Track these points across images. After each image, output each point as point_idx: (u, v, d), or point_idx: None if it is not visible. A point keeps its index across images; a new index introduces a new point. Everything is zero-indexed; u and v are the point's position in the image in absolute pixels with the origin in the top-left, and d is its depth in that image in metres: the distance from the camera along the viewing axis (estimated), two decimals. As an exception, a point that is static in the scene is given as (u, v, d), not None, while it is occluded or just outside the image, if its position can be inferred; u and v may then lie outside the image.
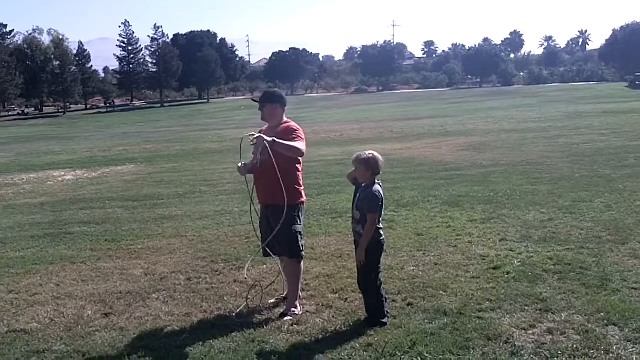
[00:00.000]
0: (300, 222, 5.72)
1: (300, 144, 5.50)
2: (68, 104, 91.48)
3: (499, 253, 7.05)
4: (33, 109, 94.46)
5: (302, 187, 5.78)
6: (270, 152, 5.33)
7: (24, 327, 5.54)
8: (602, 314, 5.10)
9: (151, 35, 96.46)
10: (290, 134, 5.56)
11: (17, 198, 13.73)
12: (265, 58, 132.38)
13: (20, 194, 14.50)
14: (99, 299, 6.25)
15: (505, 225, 8.39)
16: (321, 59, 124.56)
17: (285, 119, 5.79)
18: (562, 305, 5.36)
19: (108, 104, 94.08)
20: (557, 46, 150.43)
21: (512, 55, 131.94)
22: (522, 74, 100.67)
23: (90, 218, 10.75)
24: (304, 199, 5.81)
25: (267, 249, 5.81)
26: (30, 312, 5.95)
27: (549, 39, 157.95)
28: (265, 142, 5.27)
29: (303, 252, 5.76)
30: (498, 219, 8.81)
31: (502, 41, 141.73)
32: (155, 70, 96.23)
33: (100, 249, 8.44)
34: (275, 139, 5.32)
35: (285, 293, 5.83)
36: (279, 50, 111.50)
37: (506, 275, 6.22)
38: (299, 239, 5.67)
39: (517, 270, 6.37)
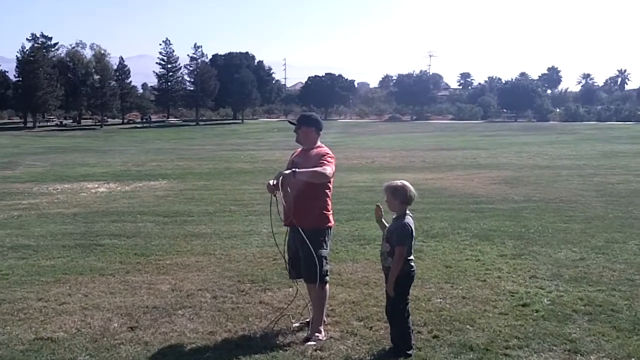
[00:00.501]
0: (327, 246, 5.70)
1: (325, 169, 5.46)
2: (105, 118, 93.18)
3: (529, 290, 6.94)
4: (71, 120, 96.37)
5: (331, 212, 5.76)
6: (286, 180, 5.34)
7: (50, 336, 5.60)
8: (633, 358, 4.99)
9: (190, 55, 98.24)
10: (319, 158, 5.58)
11: (51, 207, 13.95)
12: (300, 82, 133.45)
13: (54, 203, 14.74)
14: (126, 312, 6.29)
15: (536, 262, 8.27)
16: (356, 86, 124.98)
17: (318, 143, 5.82)
18: (592, 347, 5.25)
19: (144, 120, 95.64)
20: (595, 84, 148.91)
21: (549, 91, 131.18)
22: (558, 110, 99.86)
23: (121, 231, 10.87)
24: (332, 223, 5.78)
25: (293, 271, 5.83)
26: (58, 321, 6.01)
27: (587, 76, 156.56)
28: (284, 175, 5.30)
29: (327, 277, 5.73)
30: (529, 255, 8.70)
31: (539, 76, 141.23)
32: (192, 88, 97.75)
33: (129, 262, 8.52)
34: (295, 169, 5.34)
35: (310, 317, 5.81)
36: (315, 75, 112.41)
37: (535, 314, 6.12)
38: (324, 263, 5.64)
39: (546, 308, 6.26)
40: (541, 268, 7.96)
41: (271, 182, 5.56)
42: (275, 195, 5.60)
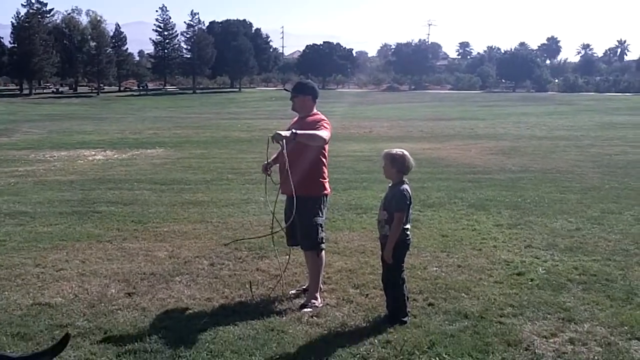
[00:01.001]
0: (322, 214, 5.72)
1: (322, 132, 5.48)
2: (102, 85, 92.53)
3: (524, 259, 6.99)
4: (67, 88, 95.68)
5: (327, 180, 5.78)
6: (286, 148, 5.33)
7: (48, 301, 5.63)
8: (625, 327, 5.04)
9: (187, 22, 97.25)
10: (315, 123, 5.58)
11: (48, 174, 13.94)
12: (298, 50, 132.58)
13: (51, 170, 14.72)
14: (123, 278, 6.33)
15: (532, 232, 8.31)
16: (354, 54, 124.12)
17: (315, 110, 5.80)
18: (585, 315, 5.31)
19: (141, 87, 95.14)
20: (594, 55, 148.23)
21: (548, 62, 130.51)
22: (557, 80, 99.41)
23: (118, 198, 10.88)
24: (328, 191, 5.80)
25: (291, 238, 5.86)
26: (55, 286, 6.05)
27: (586, 47, 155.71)
28: (285, 137, 5.25)
29: (323, 245, 5.76)
30: (525, 225, 8.73)
31: (538, 46, 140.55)
32: (189, 56, 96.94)
33: (127, 230, 8.54)
34: (295, 130, 5.31)
35: (307, 284, 5.85)
36: (313, 43, 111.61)
37: (530, 282, 6.16)
38: (319, 231, 5.67)
39: (541, 277, 6.31)
40: (537, 238, 8.00)
41: (266, 162, 5.70)
42: (269, 174, 5.73)
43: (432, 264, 6.84)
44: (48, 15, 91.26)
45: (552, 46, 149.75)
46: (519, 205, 10.11)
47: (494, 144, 20.67)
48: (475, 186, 12.06)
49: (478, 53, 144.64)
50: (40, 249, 7.45)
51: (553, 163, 15.63)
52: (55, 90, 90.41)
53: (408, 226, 5.19)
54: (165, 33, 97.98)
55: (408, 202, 5.11)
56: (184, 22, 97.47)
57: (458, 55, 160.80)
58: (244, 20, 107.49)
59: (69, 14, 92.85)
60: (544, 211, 9.66)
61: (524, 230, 8.41)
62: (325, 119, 5.69)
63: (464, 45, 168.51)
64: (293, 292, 5.92)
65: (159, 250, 7.43)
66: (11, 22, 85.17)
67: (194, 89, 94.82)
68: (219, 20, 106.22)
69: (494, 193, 11.27)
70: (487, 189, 11.69)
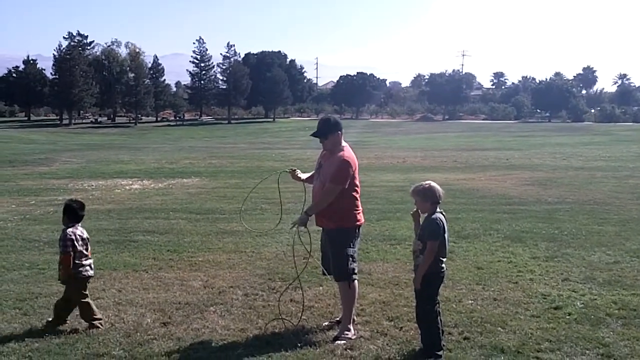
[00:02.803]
0: (354, 245, 5.72)
1: (328, 190, 5.59)
2: (139, 116, 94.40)
3: (561, 293, 6.87)
4: (106, 118, 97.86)
5: (359, 211, 5.78)
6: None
7: (85, 330, 5.70)
8: (667, 364, 4.91)
9: (223, 53, 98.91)
10: (334, 169, 5.62)
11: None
12: (332, 81, 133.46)
13: (89, 199, 14.96)
14: (159, 307, 6.39)
15: (569, 265, 8.17)
16: (388, 85, 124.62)
17: (343, 143, 5.82)
18: (625, 352, 5.18)
19: (178, 118, 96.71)
20: (632, 84, 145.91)
21: (584, 92, 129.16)
22: (593, 111, 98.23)
23: (154, 227, 11.02)
24: (361, 222, 5.81)
25: (324, 269, 5.92)
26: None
27: (623, 76, 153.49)
28: (300, 222, 5.67)
29: (355, 276, 5.74)
30: (562, 257, 8.60)
31: (574, 76, 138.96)
32: (225, 87, 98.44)
33: (162, 259, 8.64)
34: (307, 212, 5.65)
35: (340, 316, 5.83)
36: (347, 74, 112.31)
37: (568, 317, 6.05)
38: (350, 262, 5.66)
39: (579, 312, 6.19)
40: (574, 271, 7.87)
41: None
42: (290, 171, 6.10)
43: (468, 296, 6.76)
44: (88, 48, 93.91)
45: (588, 76, 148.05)
46: (555, 238, 9.97)
47: (529, 175, 20.45)
48: (510, 217, 11.93)
49: (513, 83, 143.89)
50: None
51: (590, 194, 15.39)
52: (94, 120, 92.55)
53: (444, 259, 5.16)
54: (202, 64, 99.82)
55: (441, 231, 5.09)
56: (220, 53, 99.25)
57: (492, 85, 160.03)
58: (279, 51, 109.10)
59: (109, 46, 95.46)
60: (581, 243, 9.50)
61: (561, 263, 8.28)
62: (347, 158, 5.68)
63: (498, 75, 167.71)
64: (326, 323, 5.90)
65: (193, 280, 7.49)
66: (53, 54, 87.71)
67: (229, 119, 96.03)
68: (255, 51, 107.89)
69: (530, 225, 11.12)
70: (523, 221, 11.55)
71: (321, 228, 5.89)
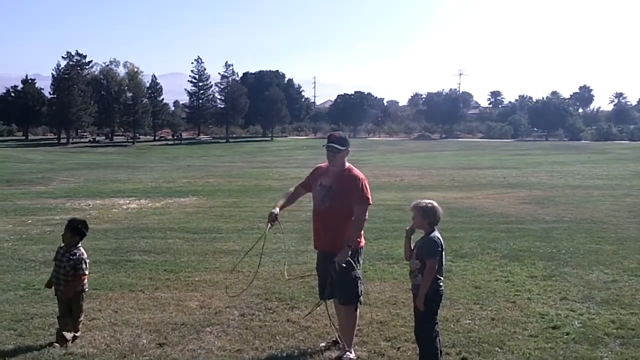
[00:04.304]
0: (359, 267, 5.65)
1: (363, 210, 5.48)
2: (137, 135, 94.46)
3: (559, 312, 6.85)
4: (104, 137, 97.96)
5: (362, 231, 5.71)
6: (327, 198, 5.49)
7: (80, 351, 5.67)
8: (666, 385, 4.88)
9: (222, 73, 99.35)
10: (359, 191, 5.50)
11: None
12: (330, 100, 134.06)
13: (86, 219, 14.89)
14: (155, 328, 6.35)
15: (567, 284, 8.15)
16: (385, 104, 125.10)
17: (346, 163, 5.75)
18: (624, 372, 5.15)
19: (175, 137, 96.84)
20: (628, 103, 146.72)
21: (581, 110, 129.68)
22: (590, 129, 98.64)
23: (151, 247, 10.99)
24: (363, 243, 5.77)
25: (323, 292, 5.83)
26: (88, 336, 6.09)
27: (619, 95, 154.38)
28: (343, 258, 5.37)
29: (361, 298, 5.69)
30: (559, 276, 8.58)
31: (570, 95, 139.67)
32: (223, 106, 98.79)
33: (159, 279, 8.60)
34: (348, 245, 5.40)
35: (337, 335, 5.79)
36: (344, 93, 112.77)
37: (566, 336, 6.03)
38: (359, 284, 5.61)
39: (577, 331, 6.17)
40: (572, 290, 7.85)
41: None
42: (271, 225, 5.91)
43: (465, 316, 6.74)
44: (87, 67, 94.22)
45: (584, 95, 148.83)
46: (553, 256, 9.95)
47: (526, 193, 20.46)
48: (508, 236, 11.92)
49: (510, 102, 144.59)
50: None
51: (587, 213, 15.39)
52: (92, 139, 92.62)
53: (441, 278, 5.15)
54: (200, 84, 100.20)
55: (440, 249, 5.09)
56: (218, 73, 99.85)
57: (489, 104, 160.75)
58: (277, 70, 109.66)
59: (107, 65, 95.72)
60: (579, 262, 9.48)
61: (558, 282, 8.26)
62: (364, 178, 5.64)
63: (495, 94, 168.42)
64: (323, 344, 5.86)
65: (190, 300, 7.46)
66: (52, 73, 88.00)
67: (227, 138, 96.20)
68: (252, 70, 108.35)
69: (528, 243, 11.11)
70: (520, 239, 11.54)
71: (318, 252, 5.82)
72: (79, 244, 6.09)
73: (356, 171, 5.67)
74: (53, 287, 6.08)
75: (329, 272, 5.56)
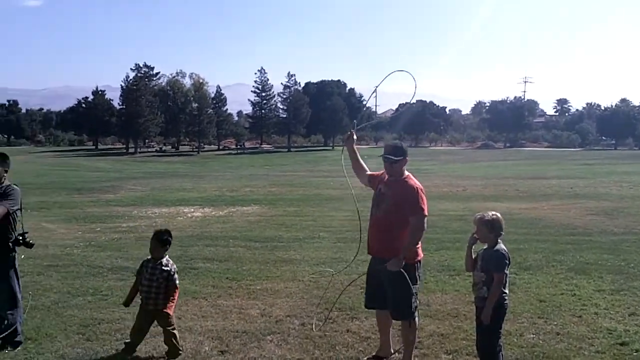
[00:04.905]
0: (417, 281, 5.55)
1: (420, 221, 5.37)
2: (202, 144, 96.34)
3: (628, 328, 6.63)
4: (170, 147, 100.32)
5: (420, 244, 5.59)
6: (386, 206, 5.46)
7: (145, 356, 5.84)
8: None
9: (284, 83, 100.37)
10: (414, 200, 5.41)
11: (149, 231, 14.43)
12: (391, 109, 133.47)
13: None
14: (217, 335, 6.46)
15: (637, 299, 7.88)
16: (448, 112, 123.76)
17: (404, 172, 5.67)
18: (698, 392, 4.94)
19: (239, 146, 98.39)
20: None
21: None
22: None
23: (214, 255, 11.18)
24: (421, 256, 5.65)
25: (369, 302, 5.82)
26: (152, 342, 6.22)
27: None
28: (395, 267, 5.32)
29: (416, 313, 5.60)
30: (628, 291, 8.30)
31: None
32: (285, 116, 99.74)
33: (221, 287, 8.74)
34: (403, 257, 5.33)
35: (399, 348, 5.75)
36: (406, 102, 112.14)
37: (635, 353, 5.84)
38: (413, 300, 5.50)
39: (647, 348, 5.95)
40: (642, 305, 7.58)
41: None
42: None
43: (529, 330, 6.59)
44: (154, 78, 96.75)
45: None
46: (622, 270, 9.63)
47: (594, 204, 19.86)
48: (575, 248, 11.60)
49: (577, 110, 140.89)
50: (140, 305, 7.70)
51: (660, 225, 14.84)
52: (158, 149, 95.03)
53: (506, 291, 5.07)
54: (263, 94, 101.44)
55: (507, 262, 5.02)
56: (281, 83, 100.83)
57: (556, 112, 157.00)
58: (339, 80, 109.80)
59: (174, 77, 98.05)
60: (650, 277, 9.15)
61: (627, 297, 7.99)
62: (421, 186, 5.55)
63: (561, 102, 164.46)
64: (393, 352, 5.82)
65: (251, 308, 7.55)
66: (120, 85, 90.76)
67: (289, 147, 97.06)
68: (314, 80, 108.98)
69: (595, 256, 10.79)
70: (587, 252, 11.21)
71: (372, 258, 5.73)
72: (166, 254, 6.15)
73: (413, 181, 5.57)
74: (141, 302, 5.93)
75: (380, 277, 5.50)
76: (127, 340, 5.94)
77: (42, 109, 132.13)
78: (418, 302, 5.65)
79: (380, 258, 5.53)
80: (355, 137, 6.08)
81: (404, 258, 5.33)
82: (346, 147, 6.16)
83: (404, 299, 5.45)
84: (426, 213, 5.43)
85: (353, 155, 6.13)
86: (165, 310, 5.78)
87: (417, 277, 5.55)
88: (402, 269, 5.34)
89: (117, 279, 9.25)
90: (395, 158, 5.55)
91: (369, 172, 6.05)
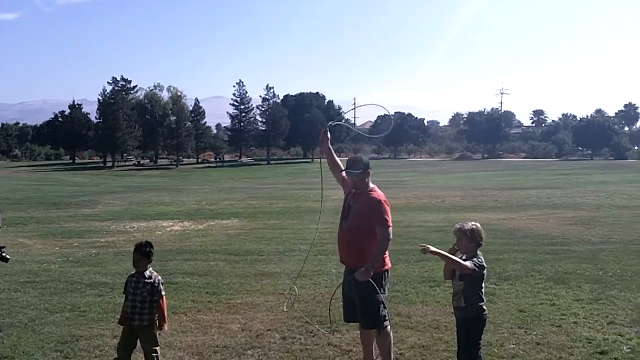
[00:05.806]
0: (384, 290, 5.60)
1: (385, 232, 5.44)
2: (181, 157, 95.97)
3: (607, 337, 6.68)
4: (148, 160, 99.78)
5: (387, 254, 5.64)
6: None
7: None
8: None
9: (263, 95, 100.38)
10: (379, 213, 5.49)
11: (127, 245, 14.36)
12: (370, 120, 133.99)
13: (131, 241, 15.14)
14: (197, 351, 6.40)
15: (614, 308, 7.95)
16: (426, 124, 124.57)
17: (370, 184, 5.74)
18: (676, 400, 4.99)
19: (218, 159, 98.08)
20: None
21: (627, 128, 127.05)
22: (636, 148, 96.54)
23: (193, 269, 11.10)
24: (389, 266, 5.70)
25: (346, 314, 5.86)
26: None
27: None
28: (363, 276, 5.33)
29: (386, 322, 5.62)
30: (607, 300, 8.38)
31: (615, 113, 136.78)
32: (264, 128, 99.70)
33: (201, 301, 8.68)
34: (371, 267, 5.33)
35: (376, 357, 5.75)
36: (384, 114, 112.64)
37: (614, 362, 5.87)
38: (381, 309, 5.53)
39: (625, 357, 6.02)
40: (620, 314, 7.66)
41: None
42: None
43: (510, 341, 6.62)
44: (132, 92, 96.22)
45: (630, 113, 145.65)
46: (600, 279, 9.73)
47: (572, 214, 20.07)
48: (553, 258, 11.70)
49: (553, 121, 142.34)
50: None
51: (635, 234, 15.01)
52: (136, 162, 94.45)
53: (483, 300, 5.09)
54: (242, 107, 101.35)
55: (483, 266, 5.03)
56: (260, 95, 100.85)
57: (532, 123, 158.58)
58: (317, 92, 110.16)
59: (152, 90, 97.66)
60: (627, 285, 9.25)
61: (606, 306, 8.06)
62: (384, 198, 5.62)
63: (538, 113, 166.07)
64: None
65: (232, 323, 7.50)
66: (98, 98, 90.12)
67: (268, 159, 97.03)
68: (293, 93, 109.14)
69: (574, 266, 10.89)
70: (566, 262, 11.31)
71: (344, 270, 5.80)
72: (149, 267, 6.01)
73: (377, 193, 5.65)
74: (127, 317, 5.78)
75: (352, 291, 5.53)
76: (115, 357, 5.85)
77: (18, 123, 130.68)
78: (387, 311, 5.65)
79: (350, 269, 5.62)
80: (329, 135, 6.07)
81: (372, 267, 5.35)
82: (322, 145, 6.18)
83: (372, 307, 5.49)
84: (390, 224, 5.50)
85: (329, 153, 6.19)
86: (152, 328, 5.63)
87: (384, 285, 5.59)
88: (369, 279, 5.37)
89: (95, 294, 9.14)
90: (355, 171, 5.66)
91: (344, 173, 6.08)
